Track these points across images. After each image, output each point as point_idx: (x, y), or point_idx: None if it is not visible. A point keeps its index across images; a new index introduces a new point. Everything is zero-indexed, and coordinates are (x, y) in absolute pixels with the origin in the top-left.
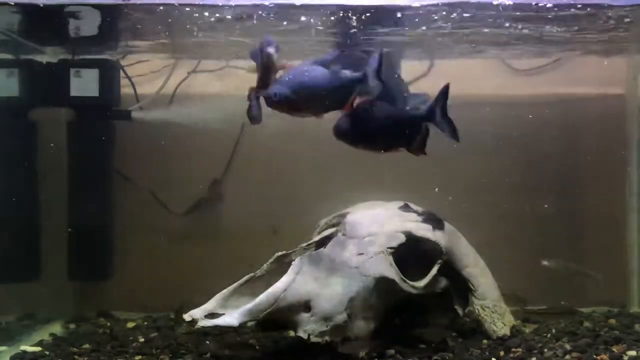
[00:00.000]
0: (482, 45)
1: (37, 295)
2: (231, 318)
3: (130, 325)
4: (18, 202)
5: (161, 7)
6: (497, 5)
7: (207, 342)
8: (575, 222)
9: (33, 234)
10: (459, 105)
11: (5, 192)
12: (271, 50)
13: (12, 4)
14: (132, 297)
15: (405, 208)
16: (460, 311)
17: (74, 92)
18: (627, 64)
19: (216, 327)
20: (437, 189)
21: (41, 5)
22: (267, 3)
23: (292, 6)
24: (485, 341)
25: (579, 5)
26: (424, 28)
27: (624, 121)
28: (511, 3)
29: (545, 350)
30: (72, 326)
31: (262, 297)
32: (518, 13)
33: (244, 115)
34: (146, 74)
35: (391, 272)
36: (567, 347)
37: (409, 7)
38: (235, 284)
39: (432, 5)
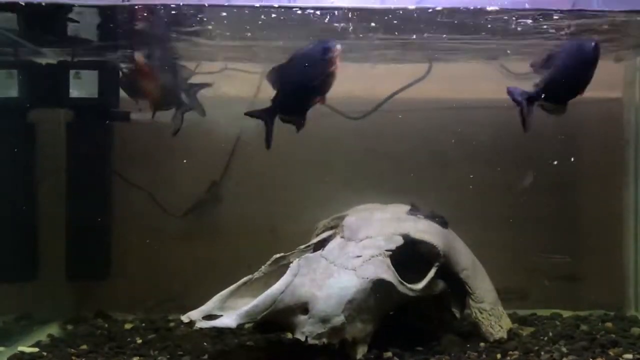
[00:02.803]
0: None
1: (34, 295)
2: (229, 319)
3: (127, 326)
4: (16, 202)
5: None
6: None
7: (205, 343)
8: (572, 224)
9: (31, 234)
10: (457, 108)
11: (4, 193)
12: None
13: (23, 4)
14: (130, 298)
15: (413, 210)
16: (457, 314)
17: (73, 93)
18: (625, 68)
19: (214, 328)
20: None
21: (43, 4)
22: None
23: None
24: (482, 344)
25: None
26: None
27: (621, 124)
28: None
29: (542, 353)
30: (69, 327)
31: (260, 299)
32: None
33: (240, 118)
34: None
35: (389, 274)
36: (564, 350)
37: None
38: (233, 286)
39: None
